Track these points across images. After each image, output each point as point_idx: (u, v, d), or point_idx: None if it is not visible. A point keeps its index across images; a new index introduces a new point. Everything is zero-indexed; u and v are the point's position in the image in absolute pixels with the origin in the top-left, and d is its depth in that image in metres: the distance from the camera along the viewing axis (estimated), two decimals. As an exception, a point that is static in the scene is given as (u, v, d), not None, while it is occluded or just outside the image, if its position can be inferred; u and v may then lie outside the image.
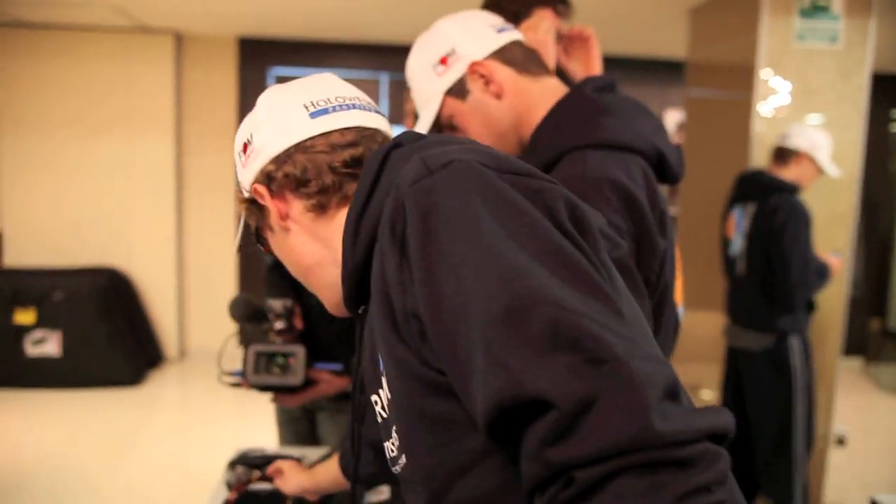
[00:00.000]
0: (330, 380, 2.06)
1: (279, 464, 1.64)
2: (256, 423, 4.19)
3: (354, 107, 0.94)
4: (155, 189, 5.93)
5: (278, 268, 2.26)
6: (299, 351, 1.92)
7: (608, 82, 1.36)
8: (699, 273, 3.53)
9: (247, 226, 1.01)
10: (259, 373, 1.92)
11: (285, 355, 1.94)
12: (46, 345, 5.17)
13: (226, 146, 6.03)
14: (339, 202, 0.90)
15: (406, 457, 0.80)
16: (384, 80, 6.09)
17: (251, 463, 1.76)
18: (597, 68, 1.65)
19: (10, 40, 5.76)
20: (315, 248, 0.92)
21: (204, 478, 2.22)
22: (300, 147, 0.90)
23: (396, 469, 0.85)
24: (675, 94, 5.99)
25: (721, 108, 3.83)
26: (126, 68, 5.81)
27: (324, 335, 2.09)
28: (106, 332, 5.27)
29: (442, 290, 0.67)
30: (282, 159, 0.90)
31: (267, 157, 0.91)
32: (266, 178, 0.91)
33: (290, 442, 2.33)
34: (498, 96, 1.31)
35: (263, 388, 1.92)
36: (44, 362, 5.15)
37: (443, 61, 1.31)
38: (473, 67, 1.30)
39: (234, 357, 1.91)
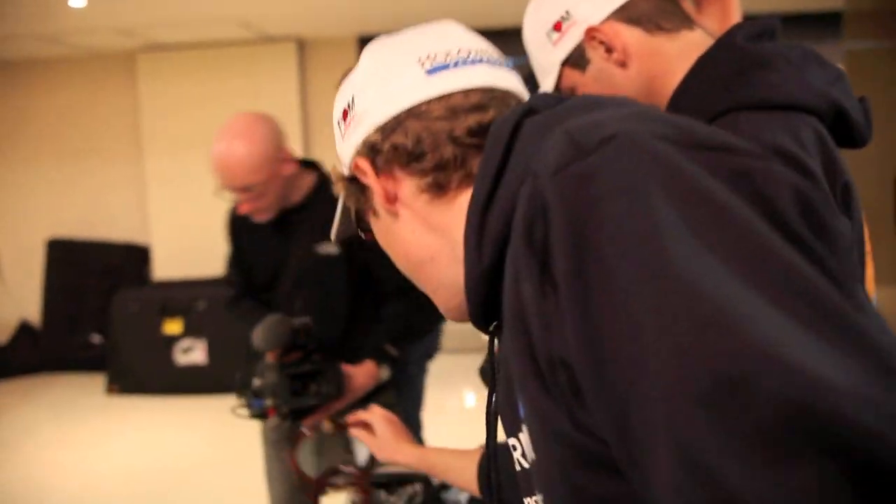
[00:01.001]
0: (365, 372, 2.00)
1: (367, 416, 1.39)
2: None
3: (481, 61, 0.75)
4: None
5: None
6: (330, 366, 1.88)
7: (767, 27, 1.09)
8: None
9: (346, 210, 0.84)
10: (298, 395, 1.85)
11: (320, 371, 1.88)
12: (194, 353, 5.36)
13: (353, 147, 6.06)
14: (461, 181, 0.72)
15: None
16: (508, 65, 5.91)
17: (378, 483, 1.63)
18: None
19: (151, 63, 6.04)
20: (429, 238, 0.74)
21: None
22: (413, 112, 0.72)
23: None
24: (831, 50, 5.42)
25: (888, 59, 3.42)
26: (252, 78, 5.96)
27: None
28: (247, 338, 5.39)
29: (605, 336, 0.47)
30: (390, 127, 0.73)
31: (371, 125, 0.74)
32: (370, 150, 0.74)
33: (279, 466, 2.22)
34: (623, 64, 1.11)
35: (303, 411, 1.86)
36: (192, 370, 5.33)
37: (557, 27, 1.15)
38: (591, 33, 1.11)
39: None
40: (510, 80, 0.76)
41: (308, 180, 2.10)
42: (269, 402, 1.84)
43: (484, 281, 0.64)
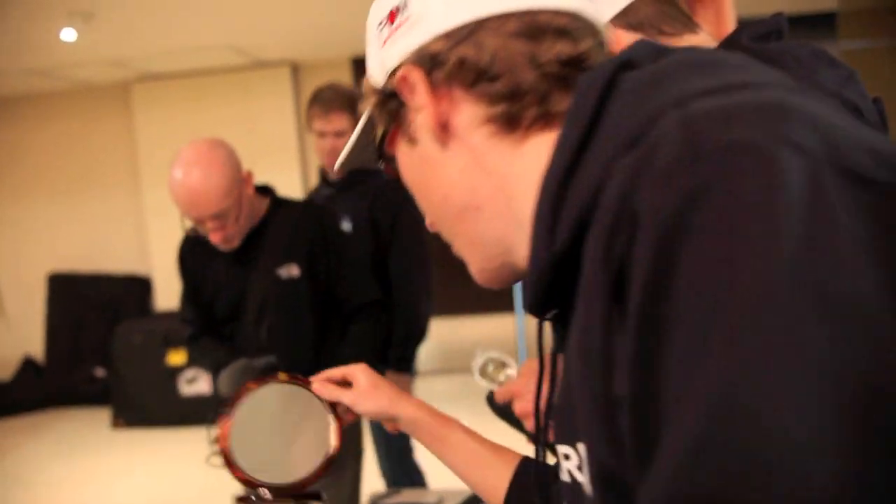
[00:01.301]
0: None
1: (340, 371, 1.06)
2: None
3: None
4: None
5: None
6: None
7: (774, 26, 1.04)
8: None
9: (366, 132, 0.71)
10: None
11: None
12: (198, 383, 5.31)
13: (351, 169, 6.05)
14: (535, 120, 0.59)
15: None
16: None
17: None
18: (730, 28, 1.34)
19: (146, 93, 6.03)
20: (480, 181, 0.61)
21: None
22: (488, 24, 0.59)
23: None
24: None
25: (884, 57, 3.40)
26: (248, 104, 5.95)
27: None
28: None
29: (672, 399, 0.38)
30: (457, 36, 0.59)
31: (433, 31, 0.60)
32: (428, 59, 0.60)
33: None
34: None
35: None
36: (197, 400, 5.28)
37: None
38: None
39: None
40: (596, 13, 0.63)
41: (262, 204, 2.08)
42: None
43: (553, 266, 0.53)
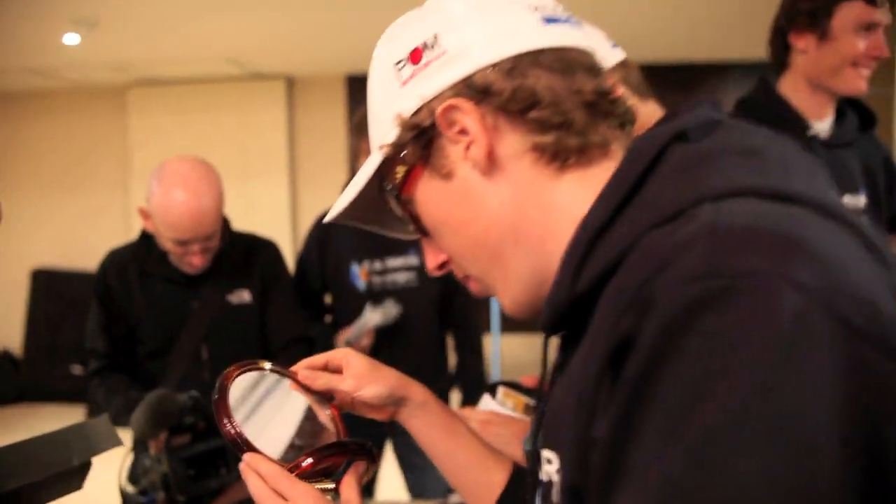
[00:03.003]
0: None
1: (332, 356, 0.90)
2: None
3: (582, 28, 0.66)
4: (273, 227, 6.08)
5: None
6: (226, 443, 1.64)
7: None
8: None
9: (383, 170, 0.69)
10: (195, 481, 1.59)
11: (216, 451, 1.61)
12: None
13: (338, 180, 6.12)
14: (575, 152, 0.62)
15: None
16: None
17: None
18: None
19: (141, 98, 6.12)
20: (522, 214, 0.63)
21: None
22: (526, 58, 0.62)
23: None
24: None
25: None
26: (241, 114, 6.05)
27: None
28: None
29: (638, 464, 0.45)
30: (504, 68, 0.62)
31: (478, 63, 0.62)
32: (479, 90, 0.62)
33: None
34: None
35: (200, 498, 1.61)
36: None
37: None
38: None
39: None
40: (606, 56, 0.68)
41: None
42: (161, 495, 1.58)
43: (571, 305, 0.57)
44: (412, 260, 2.25)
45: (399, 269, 2.23)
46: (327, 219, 0.75)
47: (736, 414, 0.40)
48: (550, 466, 0.62)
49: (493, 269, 0.66)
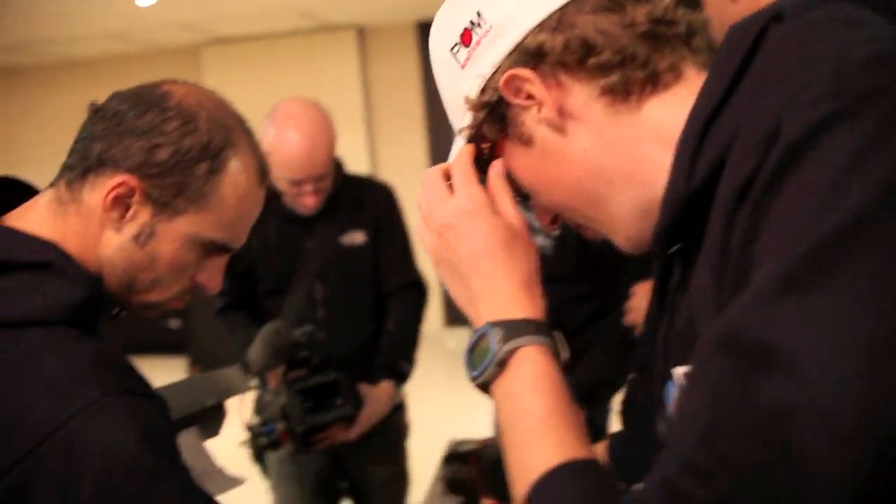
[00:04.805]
0: (383, 395, 1.87)
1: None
2: (471, 405, 4.20)
3: None
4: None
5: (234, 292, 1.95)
6: (341, 376, 1.70)
7: None
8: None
9: (478, 145, 0.71)
10: (311, 413, 1.66)
11: (332, 384, 1.69)
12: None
13: (415, 129, 6.13)
14: (645, 84, 0.62)
15: None
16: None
17: (466, 457, 1.70)
18: None
19: (215, 57, 6.20)
20: (605, 156, 0.64)
21: (418, 467, 2.20)
22: (569, 9, 0.62)
23: None
24: None
25: None
26: (314, 68, 6.06)
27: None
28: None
29: (762, 257, 0.45)
30: (549, 26, 0.63)
31: (524, 29, 0.63)
32: (531, 54, 0.63)
33: None
34: None
35: (318, 429, 1.68)
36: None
37: None
38: None
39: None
40: None
41: None
42: (280, 426, 1.65)
43: (686, 201, 0.56)
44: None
45: (541, 230, 2.10)
46: None
47: (852, 228, 0.41)
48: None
49: (597, 214, 0.67)
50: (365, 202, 2.01)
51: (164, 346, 6.26)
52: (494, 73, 0.65)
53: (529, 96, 0.65)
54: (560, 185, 0.67)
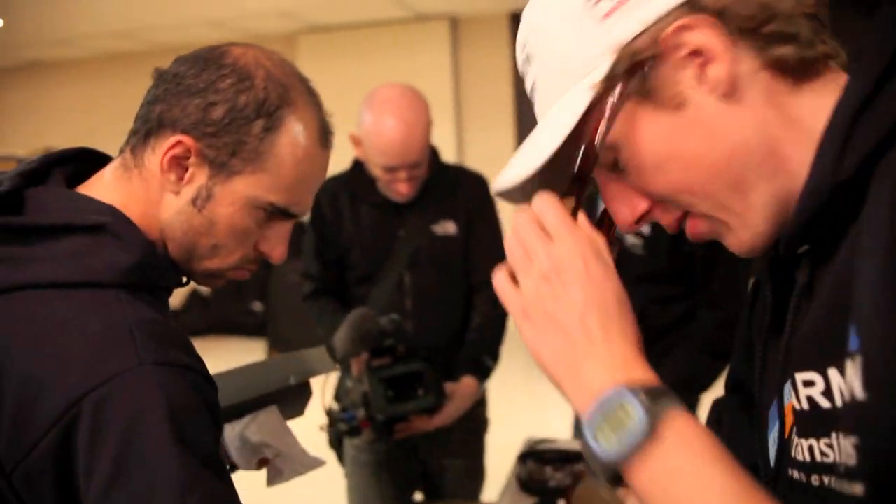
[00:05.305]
0: (467, 391, 1.82)
1: None
2: (548, 403, 4.13)
3: None
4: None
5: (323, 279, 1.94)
6: (428, 368, 1.66)
7: None
8: None
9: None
10: (393, 402, 1.64)
11: (415, 374, 1.66)
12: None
13: (504, 120, 6.08)
14: (810, 66, 0.58)
15: (872, 486, 0.51)
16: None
17: (542, 457, 1.64)
18: None
19: (311, 45, 6.29)
20: (763, 137, 0.58)
21: (494, 463, 2.16)
22: None
23: (822, 481, 0.57)
24: None
25: None
26: (406, 57, 6.07)
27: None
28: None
29: None
30: None
31: None
32: (709, 10, 0.57)
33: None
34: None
35: (397, 419, 1.66)
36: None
37: None
38: None
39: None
40: None
41: None
42: (361, 413, 1.64)
43: (833, 195, 0.53)
44: (644, 227, 1.96)
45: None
46: (499, 188, 0.68)
47: None
48: (811, 389, 0.58)
49: (733, 201, 0.60)
50: (458, 192, 1.97)
51: (245, 327, 6.41)
52: (658, 21, 0.58)
53: (695, 52, 0.58)
54: (703, 162, 0.59)
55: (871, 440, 0.50)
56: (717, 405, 0.97)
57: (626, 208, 0.65)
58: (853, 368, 0.51)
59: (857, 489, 0.51)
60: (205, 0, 5.30)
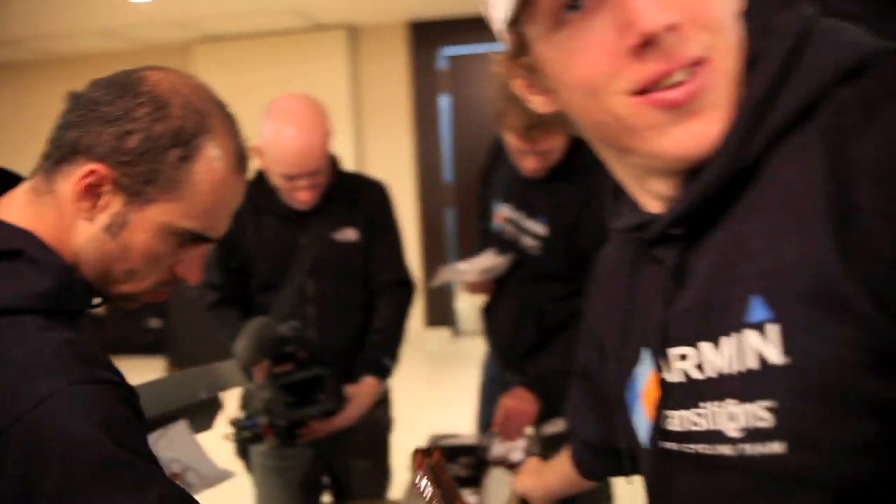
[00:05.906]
0: (368, 391, 1.87)
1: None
2: (451, 403, 4.17)
3: None
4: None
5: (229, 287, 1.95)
6: (327, 373, 1.71)
7: None
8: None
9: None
10: (294, 408, 1.67)
11: (315, 379, 1.71)
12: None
13: (402, 128, 6.12)
14: None
15: (790, 444, 0.56)
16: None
17: (446, 453, 1.66)
18: None
19: (206, 55, 6.16)
20: None
21: (397, 464, 2.17)
22: None
23: (744, 451, 0.59)
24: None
25: None
26: (304, 67, 6.03)
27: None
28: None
29: None
30: None
31: None
32: None
33: None
34: None
35: (299, 423, 1.70)
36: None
37: None
38: None
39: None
40: None
41: None
42: (263, 420, 1.66)
43: (729, 181, 0.59)
44: (540, 229, 1.97)
45: (528, 231, 1.99)
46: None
47: None
48: (684, 363, 0.63)
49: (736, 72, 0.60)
50: (358, 199, 2.00)
51: (142, 346, 6.19)
52: None
53: None
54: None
55: (791, 401, 0.55)
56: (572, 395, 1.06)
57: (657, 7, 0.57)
58: (760, 337, 0.56)
59: (776, 447, 0.56)
60: (97, 9, 5.12)
